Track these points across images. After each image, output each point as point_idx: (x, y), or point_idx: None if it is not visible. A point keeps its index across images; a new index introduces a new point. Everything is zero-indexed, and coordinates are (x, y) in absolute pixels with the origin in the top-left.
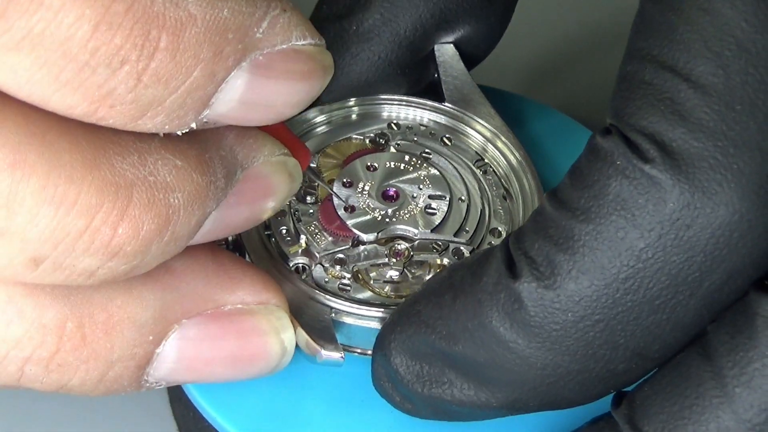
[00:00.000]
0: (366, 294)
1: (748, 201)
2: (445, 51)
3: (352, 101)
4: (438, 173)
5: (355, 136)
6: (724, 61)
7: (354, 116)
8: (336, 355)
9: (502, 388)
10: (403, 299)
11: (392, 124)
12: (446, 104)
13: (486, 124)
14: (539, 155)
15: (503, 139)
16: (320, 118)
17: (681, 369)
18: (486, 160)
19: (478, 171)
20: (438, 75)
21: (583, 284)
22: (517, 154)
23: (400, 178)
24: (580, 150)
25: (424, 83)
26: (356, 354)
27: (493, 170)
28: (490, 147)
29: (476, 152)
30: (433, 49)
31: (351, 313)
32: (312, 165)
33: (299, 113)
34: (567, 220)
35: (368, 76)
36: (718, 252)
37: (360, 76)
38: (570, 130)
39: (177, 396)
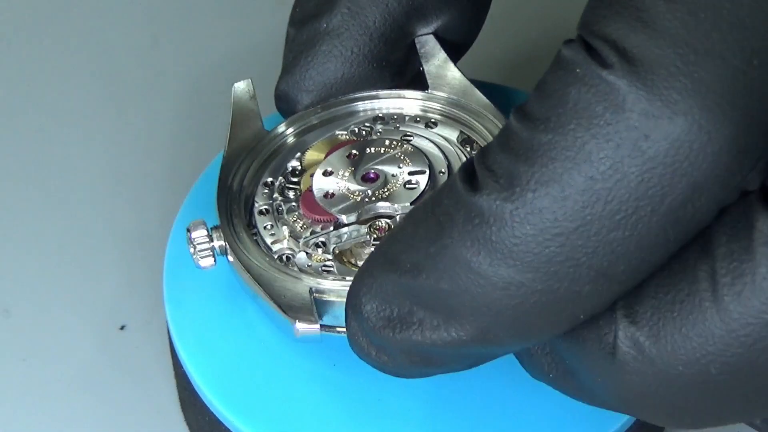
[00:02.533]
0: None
1: (708, 111)
2: (425, 41)
3: (332, 101)
4: (418, 151)
5: (339, 132)
6: None
7: (336, 115)
8: (312, 328)
9: (469, 318)
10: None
11: (377, 118)
12: (429, 91)
13: (471, 104)
14: None
15: (491, 117)
16: (304, 123)
17: (681, 258)
18: (472, 138)
19: (461, 146)
20: (422, 68)
21: (541, 195)
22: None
23: (379, 159)
24: None
25: (408, 76)
26: (344, 334)
27: (477, 144)
28: (477, 125)
29: (461, 131)
30: (414, 41)
31: (333, 290)
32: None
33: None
34: (528, 132)
35: (344, 72)
36: (678, 164)
37: (336, 72)
38: None
39: (191, 402)
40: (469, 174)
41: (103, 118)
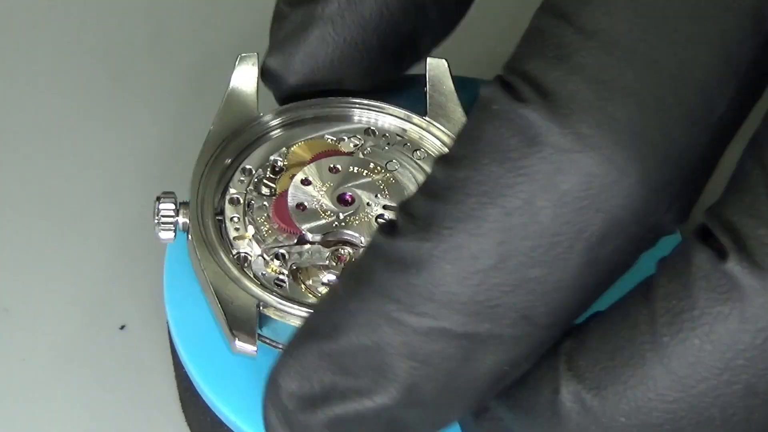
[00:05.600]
0: (301, 294)
1: (620, 147)
2: (436, 65)
3: (330, 99)
4: (398, 184)
5: (328, 136)
6: (611, 8)
7: (329, 115)
8: (249, 348)
9: (393, 375)
10: None
11: (369, 130)
12: (426, 118)
13: (449, 133)
14: None
15: None
16: (297, 114)
17: (622, 306)
18: None
19: None
20: (426, 89)
21: (458, 231)
22: None
23: (358, 183)
24: None
25: (402, 71)
26: (280, 349)
27: None
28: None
29: None
30: (416, 43)
31: (278, 309)
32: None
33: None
34: (445, 172)
35: (333, 59)
36: (592, 199)
37: (326, 58)
38: None
39: (192, 402)
40: (390, 224)
41: (104, 114)
